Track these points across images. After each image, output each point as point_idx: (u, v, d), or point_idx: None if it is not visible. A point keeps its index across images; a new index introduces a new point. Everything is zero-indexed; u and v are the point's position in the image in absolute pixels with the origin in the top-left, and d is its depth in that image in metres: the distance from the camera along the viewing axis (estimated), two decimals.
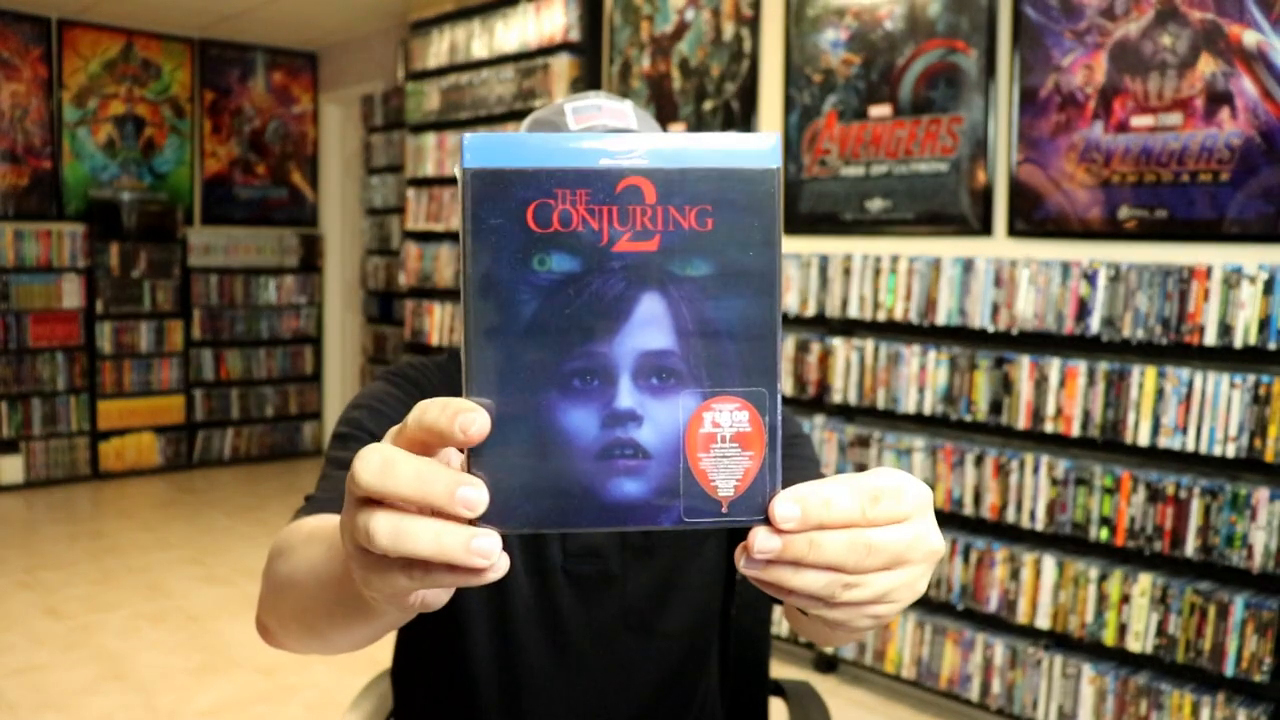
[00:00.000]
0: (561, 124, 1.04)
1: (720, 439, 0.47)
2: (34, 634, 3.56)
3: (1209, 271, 2.43)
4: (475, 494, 0.44)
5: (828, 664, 3.31)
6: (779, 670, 3.25)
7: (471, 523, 0.45)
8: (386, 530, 0.44)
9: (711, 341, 0.47)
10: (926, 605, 3.03)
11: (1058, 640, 2.76)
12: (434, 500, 0.44)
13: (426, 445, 0.47)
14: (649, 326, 0.47)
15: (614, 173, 0.47)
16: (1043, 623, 2.74)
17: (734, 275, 0.47)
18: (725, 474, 0.47)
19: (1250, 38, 2.42)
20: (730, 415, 0.47)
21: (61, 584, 4.06)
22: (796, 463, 1.08)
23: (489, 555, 0.44)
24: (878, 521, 0.48)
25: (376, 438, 0.99)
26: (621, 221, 0.47)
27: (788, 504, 0.46)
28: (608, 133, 0.47)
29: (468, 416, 0.44)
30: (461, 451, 0.47)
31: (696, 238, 0.47)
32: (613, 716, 1.09)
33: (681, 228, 0.47)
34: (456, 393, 1.07)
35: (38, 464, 5.66)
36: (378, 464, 0.45)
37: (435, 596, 0.50)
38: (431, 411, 0.46)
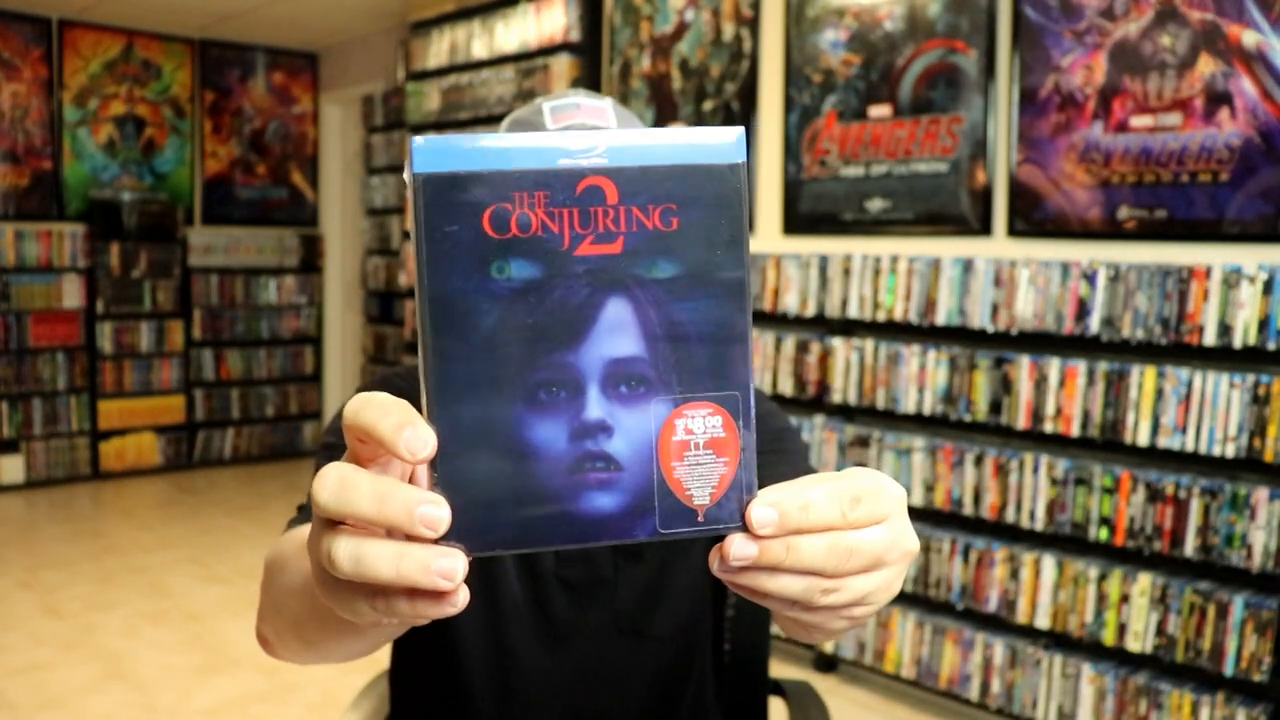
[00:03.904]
0: (539, 123, 1.02)
1: (694, 446, 0.46)
2: (34, 633, 3.56)
3: (1208, 271, 2.43)
4: (437, 512, 0.42)
5: (827, 664, 3.31)
6: (779, 670, 3.26)
7: (438, 544, 0.43)
8: (346, 555, 0.42)
9: (681, 346, 0.45)
10: (926, 605, 3.04)
11: (1057, 640, 2.76)
12: (393, 520, 0.42)
13: (365, 447, 0.45)
14: (616, 333, 0.45)
15: (574, 173, 0.45)
16: (1042, 622, 2.74)
17: (702, 276, 0.46)
18: (700, 482, 0.46)
19: (1250, 38, 2.42)
20: (703, 421, 0.46)
21: (62, 584, 4.06)
22: (786, 458, 1.07)
23: (452, 576, 0.42)
24: (858, 524, 0.46)
25: None
26: (583, 224, 0.45)
27: (764, 509, 0.45)
28: (567, 130, 0.45)
29: (415, 437, 0.42)
30: (433, 468, 0.45)
31: (661, 238, 0.45)
32: (604, 719, 1.10)
33: (646, 228, 0.45)
34: None
35: (38, 464, 5.67)
36: (334, 483, 0.43)
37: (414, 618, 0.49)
38: (369, 412, 0.43)
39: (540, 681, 1.08)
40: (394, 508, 0.42)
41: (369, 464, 0.45)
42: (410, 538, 0.42)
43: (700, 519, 0.46)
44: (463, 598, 0.43)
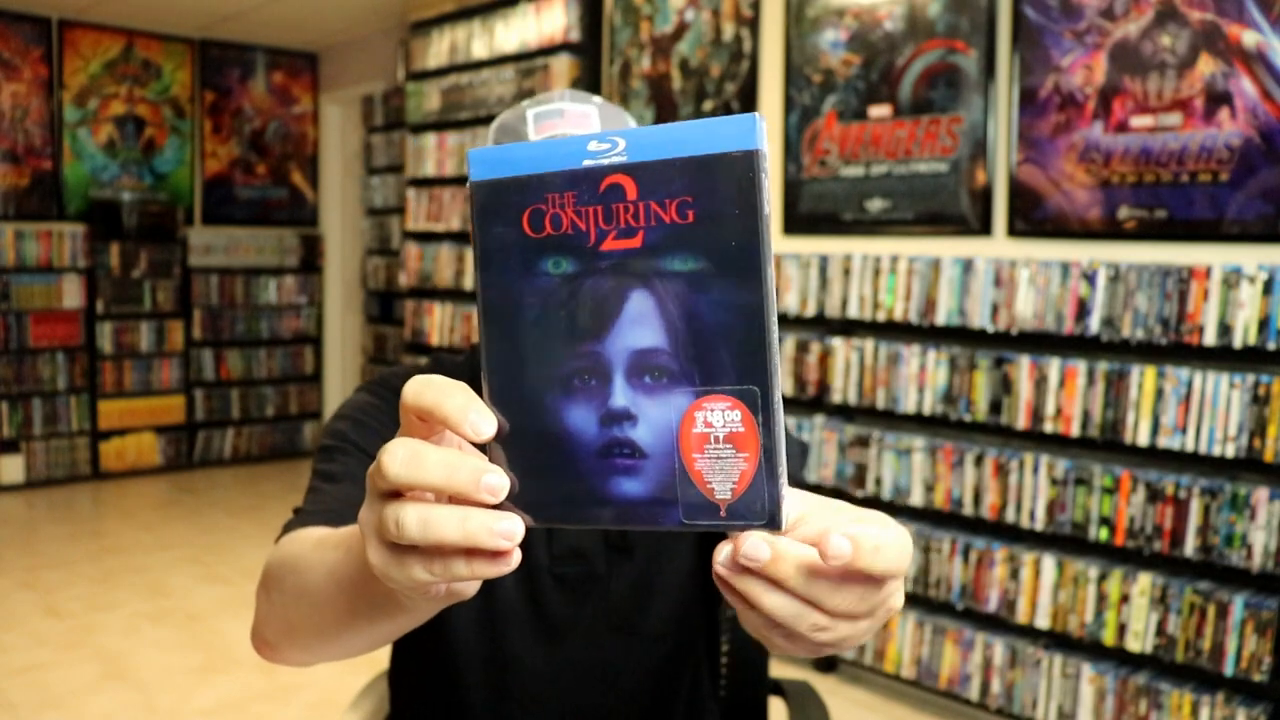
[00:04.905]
0: (523, 131, 1.01)
1: (714, 439, 0.46)
2: (34, 633, 3.56)
3: (1208, 271, 2.43)
4: (499, 480, 0.46)
5: (828, 664, 3.31)
6: (779, 670, 3.25)
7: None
8: (415, 520, 0.46)
9: (700, 339, 0.46)
10: (926, 605, 3.04)
11: (1057, 640, 2.76)
12: (460, 487, 0.45)
13: (423, 425, 0.48)
14: (638, 325, 0.47)
15: (597, 172, 0.47)
16: (1042, 622, 2.74)
17: (720, 269, 0.45)
18: (721, 475, 0.46)
19: (1250, 38, 2.42)
20: (722, 415, 0.46)
21: (62, 584, 4.06)
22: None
23: (511, 536, 0.46)
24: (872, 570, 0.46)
25: (360, 448, 0.99)
26: (607, 220, 0.47)
27: (841, 540, 0.44)
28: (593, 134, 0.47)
29: (481, 418, 0.46)
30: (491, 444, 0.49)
31: (678, 231, 0.46)
32: (600, 715, 1.10)
33: (663, 222, 0.46)
34: None
35: (38, 464, 5.67)
36: (405, 456, 0.46)
37: (462, 585, 0.51)
38: (431, 393, 0.47)
39: (536, 678, 1.08)
40: (462, 476, 0.46)
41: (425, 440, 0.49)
42: (468, 503, 0.46)
43: (723, 514, 0.47)
44: (516, 558, 0.47)
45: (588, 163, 0.47)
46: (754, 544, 0.45)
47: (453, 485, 0.46)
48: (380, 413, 1.07)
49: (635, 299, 0.46)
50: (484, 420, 0.46)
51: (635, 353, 0.47)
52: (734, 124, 0.45)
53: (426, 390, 0.47)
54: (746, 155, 0.45)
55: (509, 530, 0.46)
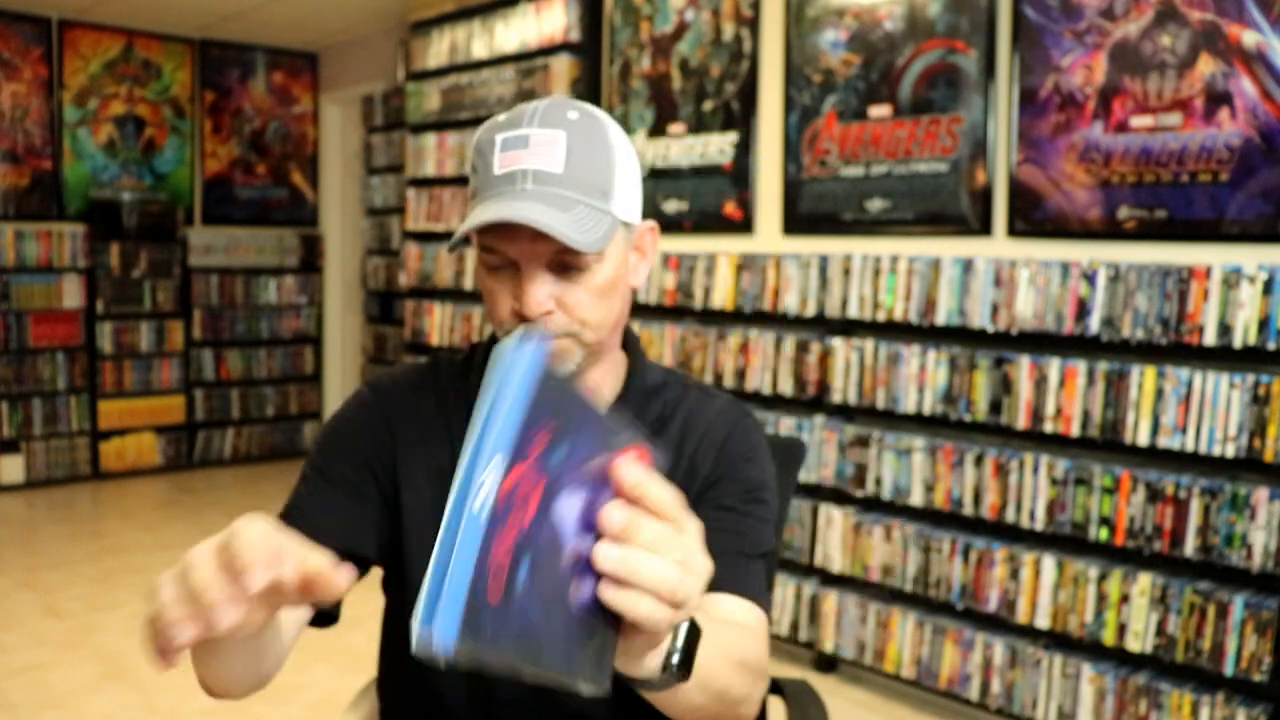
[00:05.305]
0: (490, 158, 0.97)
1: None
2: (35, 633, 3.56)
3: (1208, 272, 2.43)
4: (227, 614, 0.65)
5: (827, 664, 3.31)
6: (778, 669, 3.25)
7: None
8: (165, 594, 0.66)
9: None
10: (926, 605, 3.03)
11: (1057, 640, 2.76)
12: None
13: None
14: (566, 514, 0.63)
15: (495, 514, 0.55)
16: (1042, 622, 2.74)
17: (574, 433, 0.64)
18: None
19: (1250, 38, 2.42)
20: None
21: (62, 584, 4.06)
22: (743, 520, 1.07)
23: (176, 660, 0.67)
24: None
25: (321, 473, 1.09)
26: (521, 512, 0.58)
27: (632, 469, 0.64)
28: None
29: (255, 577, 0.63)
30: None
31: (548, 451, 0.60)
32: (583, 717, 1.09)
33: (539, 456, 0.59)
34: (441, 398, 1.10)
35: (38, 464, 5.66)
36: (170, 597, 0.68)
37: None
38: (243, 558, 0.63)
39: (519, 687, 1.07)
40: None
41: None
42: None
43: None
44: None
45: (485, 523, 0.53)
46: (629, 467, 0.63)
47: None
48: (362, 427, 1.11)
49: (555, 508, 0.60)
50: (258, 576, 0.62)
51: (577, 519, 0.62)
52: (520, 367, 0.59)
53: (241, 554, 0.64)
54: (557, 376, 0.62)
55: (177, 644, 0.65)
